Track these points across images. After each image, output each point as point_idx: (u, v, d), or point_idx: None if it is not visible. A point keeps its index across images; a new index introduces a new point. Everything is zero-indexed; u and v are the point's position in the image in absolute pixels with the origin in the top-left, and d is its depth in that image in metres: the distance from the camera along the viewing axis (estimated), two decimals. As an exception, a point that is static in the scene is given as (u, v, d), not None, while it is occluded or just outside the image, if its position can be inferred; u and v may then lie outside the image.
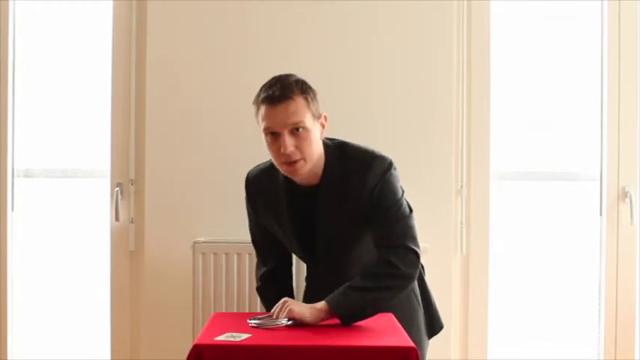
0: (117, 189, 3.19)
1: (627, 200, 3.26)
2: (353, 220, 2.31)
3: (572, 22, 3.34)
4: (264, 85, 2.26)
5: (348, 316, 2.17)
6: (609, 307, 3.27)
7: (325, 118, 2.31)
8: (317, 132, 2.26)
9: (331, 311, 2.17)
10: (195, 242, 2.98)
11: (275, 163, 2.29)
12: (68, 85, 3.29)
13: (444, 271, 3.16)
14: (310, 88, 2.28)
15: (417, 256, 2.28)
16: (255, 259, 2.60)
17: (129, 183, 3.20)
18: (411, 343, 1.91)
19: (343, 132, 2.66)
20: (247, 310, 2.93)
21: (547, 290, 3.35)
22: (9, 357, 3.22)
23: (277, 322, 2.13)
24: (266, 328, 2.10)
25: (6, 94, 3.22)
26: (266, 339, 1.96)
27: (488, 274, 3.25)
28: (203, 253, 2.96)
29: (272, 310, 2.21)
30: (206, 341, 1.93)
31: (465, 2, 3.23)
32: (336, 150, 2.34)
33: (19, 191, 3.28)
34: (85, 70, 3.28)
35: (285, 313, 2.15)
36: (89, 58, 3.28)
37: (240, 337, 1.96)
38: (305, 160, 2.23)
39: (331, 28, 3.17)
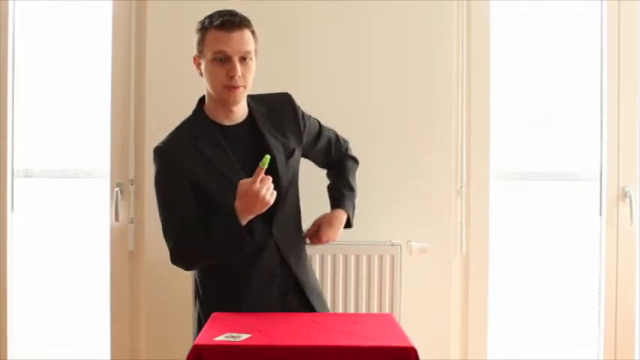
0: (117, 189, 3.19)
1: (627, 200, 3.26)
2: (289, 152, 2.40)
3: (572, 22, 3.34)
4: (212, 15, 2.31)
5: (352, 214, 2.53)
6: (609, 307, 3.27)
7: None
8: (255, 66, 2.34)
9: (347, 216, 2.51)
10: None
11: (214, 88, 2.31)
12: (68, 85, 3.29)
13: (444, 271, 3.16)
14: None
15: None
16: None
17: (129, 183, 3.20)
18: (411, 344, 1.92)
19: (343, 131, 2.66)
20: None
21: (547, 290, 3.35)
22: (9, 357, 3.22)
23: None
24: None
25: (6, 94, 3.22)
26: (266, 339, 1.96)
27: (488, 274, 3.25)
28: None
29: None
30: (206, 341, 1.93)
31: (465, 2, 3.23)
32: (251, 96, 2.42)
33: (19, 191, 3.28)
34: (84, 70, 3.28)
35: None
36: (89, 58, 3.28)
37: (240, 337, 1.96)
38: (245, 87, 2.31)
39: (331, 28, 3.17)
